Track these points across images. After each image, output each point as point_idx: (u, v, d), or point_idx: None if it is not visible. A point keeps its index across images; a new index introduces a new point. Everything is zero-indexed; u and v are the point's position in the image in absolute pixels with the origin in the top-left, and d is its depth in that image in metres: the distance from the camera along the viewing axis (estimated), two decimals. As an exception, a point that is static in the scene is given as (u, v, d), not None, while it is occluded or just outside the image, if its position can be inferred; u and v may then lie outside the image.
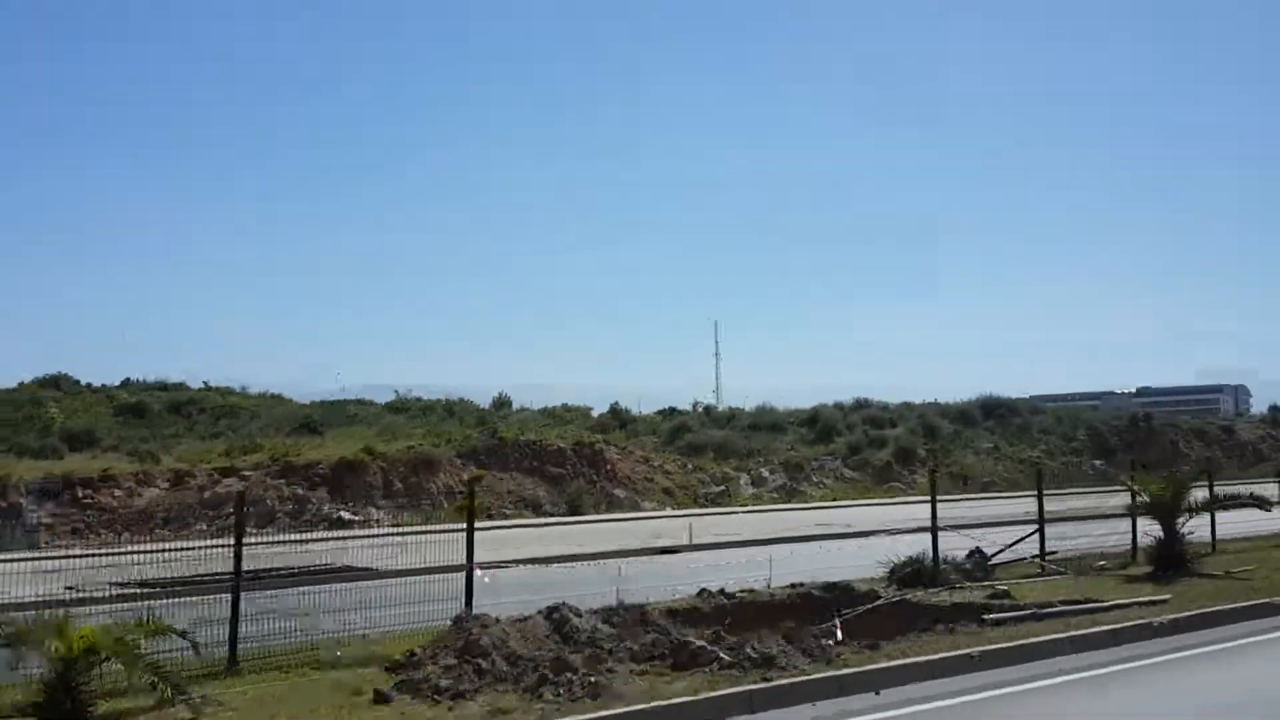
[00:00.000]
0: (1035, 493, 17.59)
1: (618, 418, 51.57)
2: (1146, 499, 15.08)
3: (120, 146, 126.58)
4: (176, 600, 10.42)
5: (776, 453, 45.73)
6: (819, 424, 48.88)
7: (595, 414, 51.60)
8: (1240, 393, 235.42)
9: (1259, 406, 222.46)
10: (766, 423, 49.36)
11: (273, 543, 15.77)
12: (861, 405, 55.45)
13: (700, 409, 56.08)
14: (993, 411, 54.71)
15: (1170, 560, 14.66)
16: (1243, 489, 21.79)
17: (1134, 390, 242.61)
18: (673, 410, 57.00)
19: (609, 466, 36.56)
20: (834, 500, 37.64)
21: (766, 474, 41.81)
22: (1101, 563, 15.50)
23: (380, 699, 8.12)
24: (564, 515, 31.16)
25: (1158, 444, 56.58)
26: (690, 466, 40.18)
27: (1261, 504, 15.68)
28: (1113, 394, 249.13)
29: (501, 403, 54.63)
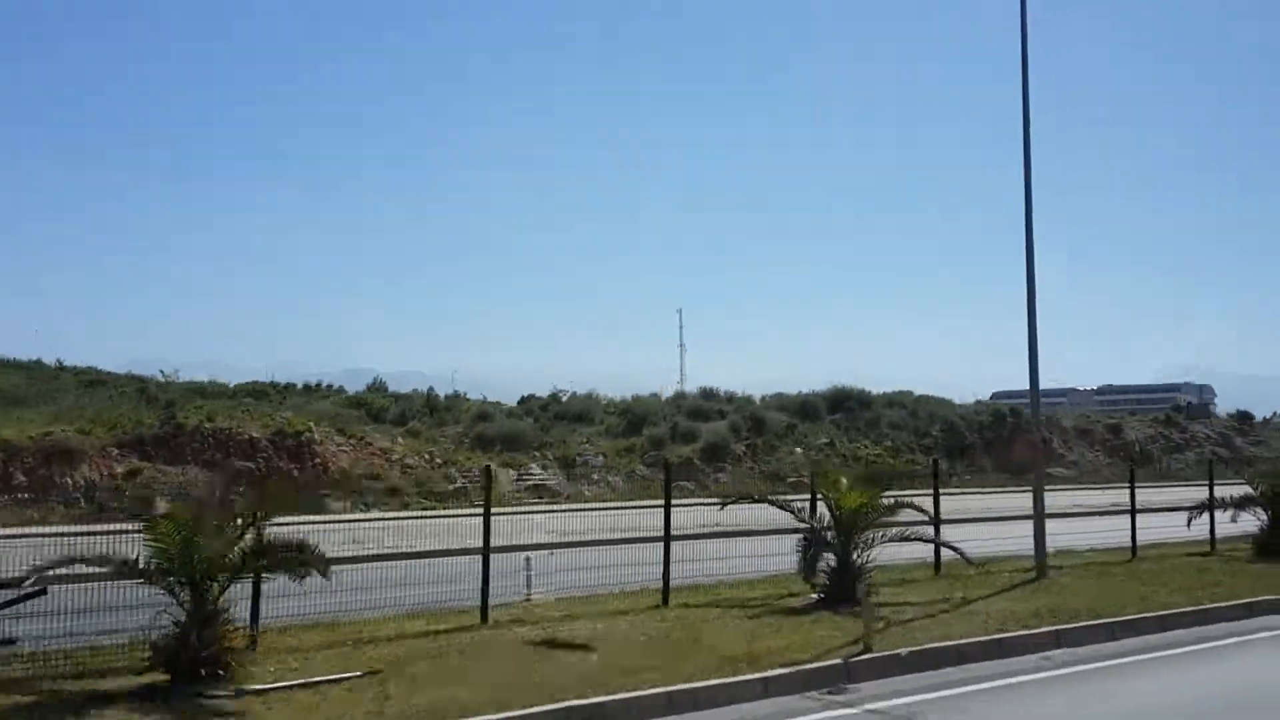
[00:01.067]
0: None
1: (429, 404, 46.75)
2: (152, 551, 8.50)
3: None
4: None
5: (571, 446, 40.97)
6: (629, 415, 44.09)
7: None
8: (1204, 392, 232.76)
9: (1226, 405, 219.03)
10: (574, 411, 44.54)
11: None
12: (709, 396, 50.73)
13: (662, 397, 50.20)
14: (841, 404, 49.97)
15: (186, 664, 8.70)
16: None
17: (1094, 388, 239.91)
18: (531, 397, 52.12)
19: (318, 460, 31.67)
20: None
21: (537, 469, 36.99)
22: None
23: None
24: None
25: (1027, 443, 51.90)
26: (439, 461, 35.31)
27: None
28: (1076, 390, 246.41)
29: (375, 387, 49.87)
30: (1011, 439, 51.65)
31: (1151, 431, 57.75)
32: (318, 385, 46.43)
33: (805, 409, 48.26)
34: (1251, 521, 19.37)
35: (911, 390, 57.21)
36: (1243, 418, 64.11)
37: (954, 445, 49.12)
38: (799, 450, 43.47)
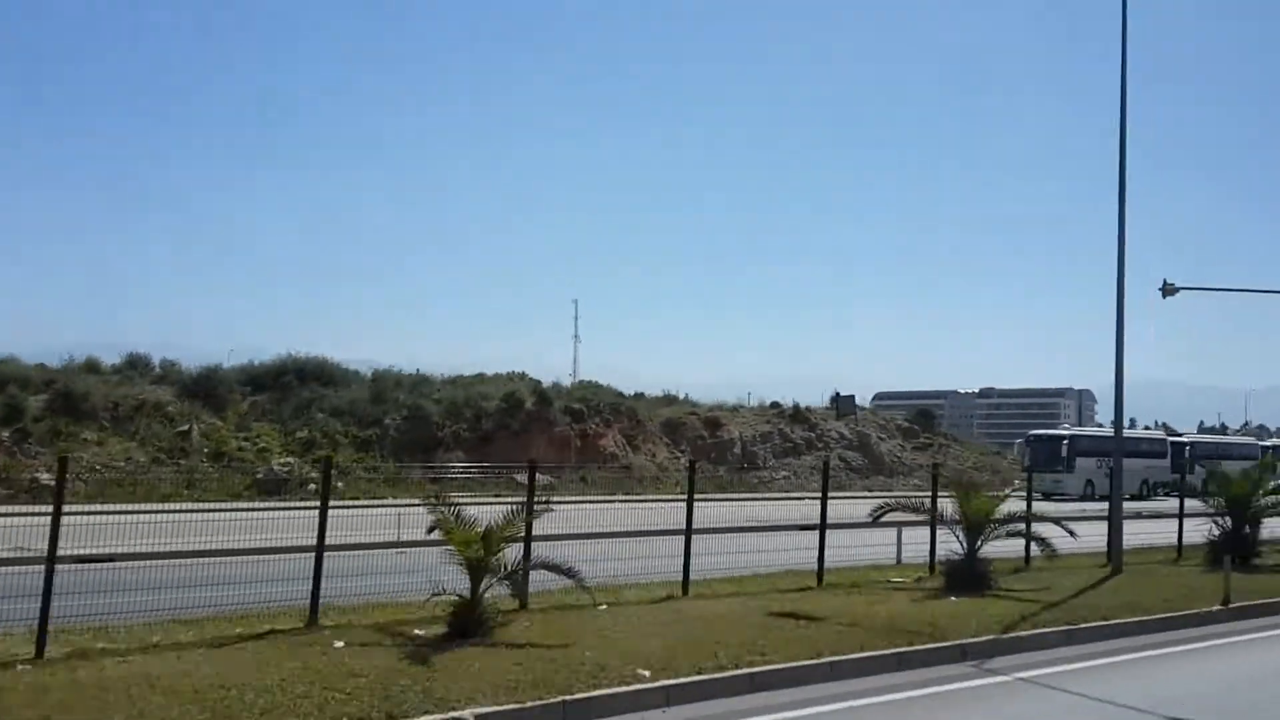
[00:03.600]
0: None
1: None
2: None
3: None
4: None
5: None
6: None
7: None
8: (1085, 397, 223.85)
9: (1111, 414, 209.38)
10: None
11: None
12: (138, 364, 37.27)
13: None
14: (279, 377, 36.71)
15: None
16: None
17: (977, 390, 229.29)
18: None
19: None
20: None
21: None
22: None
23: None
24: None
25: (551, 439, 38.99)
26: None
27: None
28: (956, 393, 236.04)
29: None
30: (526, 432, 38.72)
31: (767, 429, 44.97)
32: None
33: (202, 384, 34.88)
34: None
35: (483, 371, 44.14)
36: (923, 416, 51.64)
37: (415, 436, 36.02)
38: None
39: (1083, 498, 37.42)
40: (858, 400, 49.97)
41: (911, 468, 45.68)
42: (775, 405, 47.17)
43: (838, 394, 47.97)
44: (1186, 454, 42.66)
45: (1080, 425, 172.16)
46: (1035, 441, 42.99)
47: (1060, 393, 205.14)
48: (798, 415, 46.14)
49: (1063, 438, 42.27)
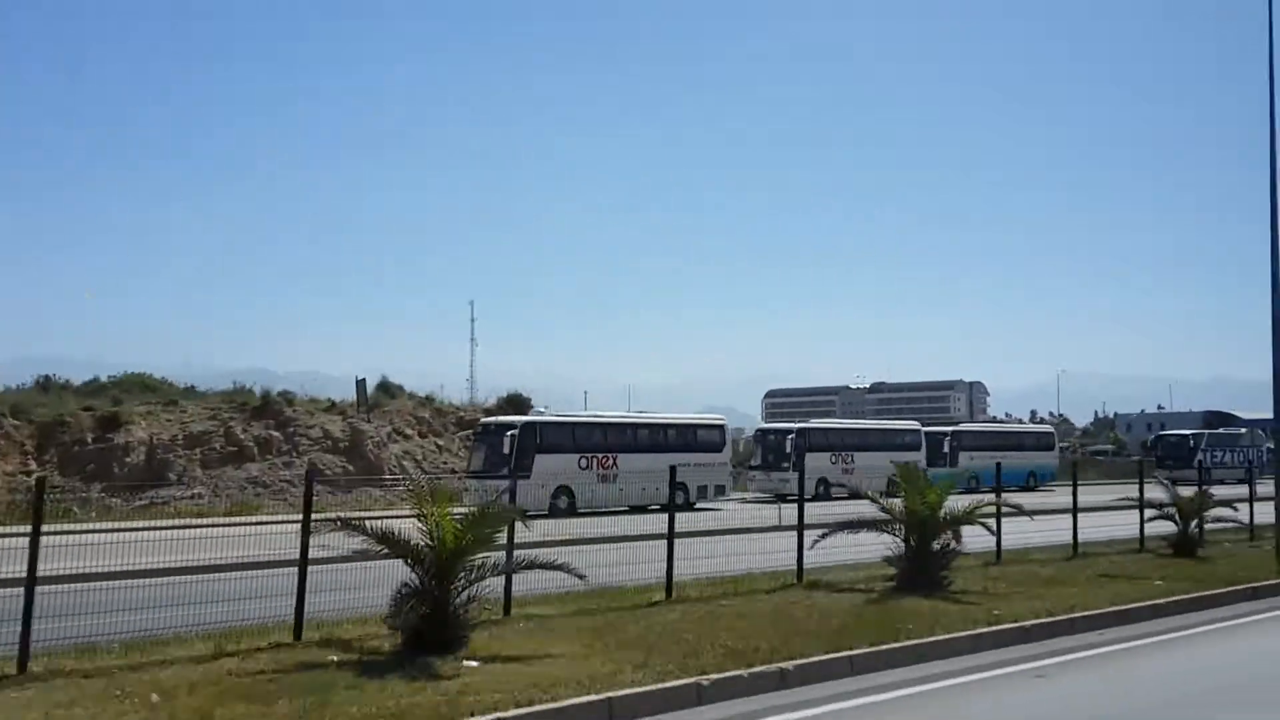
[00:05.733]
0: None
1: None
2: None
3: None
4: None
5: None
6: None
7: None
8: (975, 390, 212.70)
9: (1003, 406, 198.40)
10: None
11: None
12: None
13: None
14: None
15: None
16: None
17: (868, 385, 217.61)
18: None
19: None
20: None
21: None
22: None
23: None
24: None
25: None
26: None
27: None
28: (848, 389, 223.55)
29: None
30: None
31: (209, 426, 31.46)
32: None
33: None
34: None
35: None
36: (511, 405, 38.22)
37: None
38: None
39: (551, 513, 24.23)
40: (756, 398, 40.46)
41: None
42: (240, 393, 33.61)
43: (357, 379, 34.50)
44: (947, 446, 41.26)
45: (971, 419, 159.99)
46: (482, 435, 29.37)
47: (950, 385, 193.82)
48: (265, 408, 32.58)
49: (510, 427, 28.25)
